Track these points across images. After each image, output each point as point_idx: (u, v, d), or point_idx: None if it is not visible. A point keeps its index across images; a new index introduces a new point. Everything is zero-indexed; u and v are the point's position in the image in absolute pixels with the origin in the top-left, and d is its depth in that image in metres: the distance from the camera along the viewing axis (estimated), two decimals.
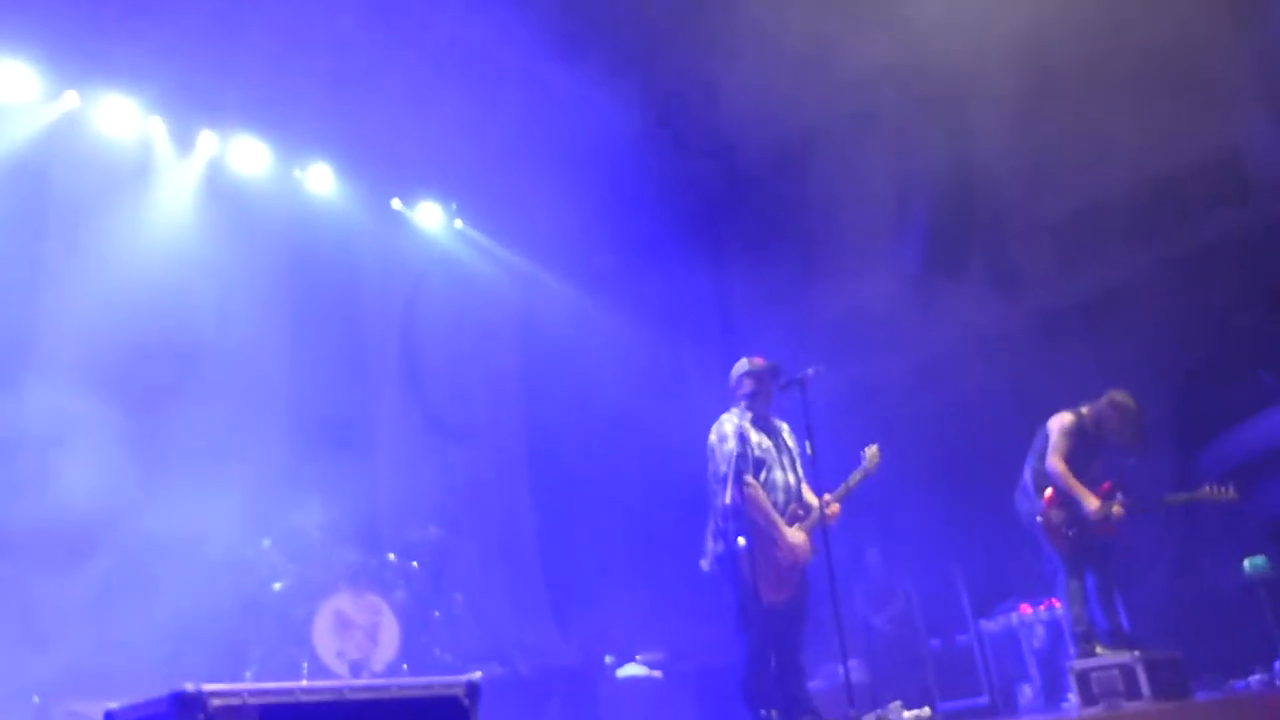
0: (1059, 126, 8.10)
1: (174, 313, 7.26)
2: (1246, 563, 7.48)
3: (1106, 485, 6.18)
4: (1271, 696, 6.10)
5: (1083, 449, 6.22)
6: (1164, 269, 8.31)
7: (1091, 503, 5.99)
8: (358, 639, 5.96)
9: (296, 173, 8.53)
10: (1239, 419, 8.43)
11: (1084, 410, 6.30)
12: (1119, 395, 6.24)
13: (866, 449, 5.46)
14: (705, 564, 5.23)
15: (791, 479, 5.25)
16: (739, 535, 4.99)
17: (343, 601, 6.05)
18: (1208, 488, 6.14)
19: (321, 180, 8.63)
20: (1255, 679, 6.45)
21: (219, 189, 7.95)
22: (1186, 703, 5.58)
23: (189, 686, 2.08)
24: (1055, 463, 6.13)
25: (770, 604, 4.99)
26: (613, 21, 8.02)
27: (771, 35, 7.85)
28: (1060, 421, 6.24)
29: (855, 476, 5.32)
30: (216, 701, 2.10)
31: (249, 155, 8.17)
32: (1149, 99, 7.68)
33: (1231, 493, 6.14)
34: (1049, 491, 6.19)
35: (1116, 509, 6.01)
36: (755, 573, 4.93)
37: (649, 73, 8.23)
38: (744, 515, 4.98)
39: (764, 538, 5.03)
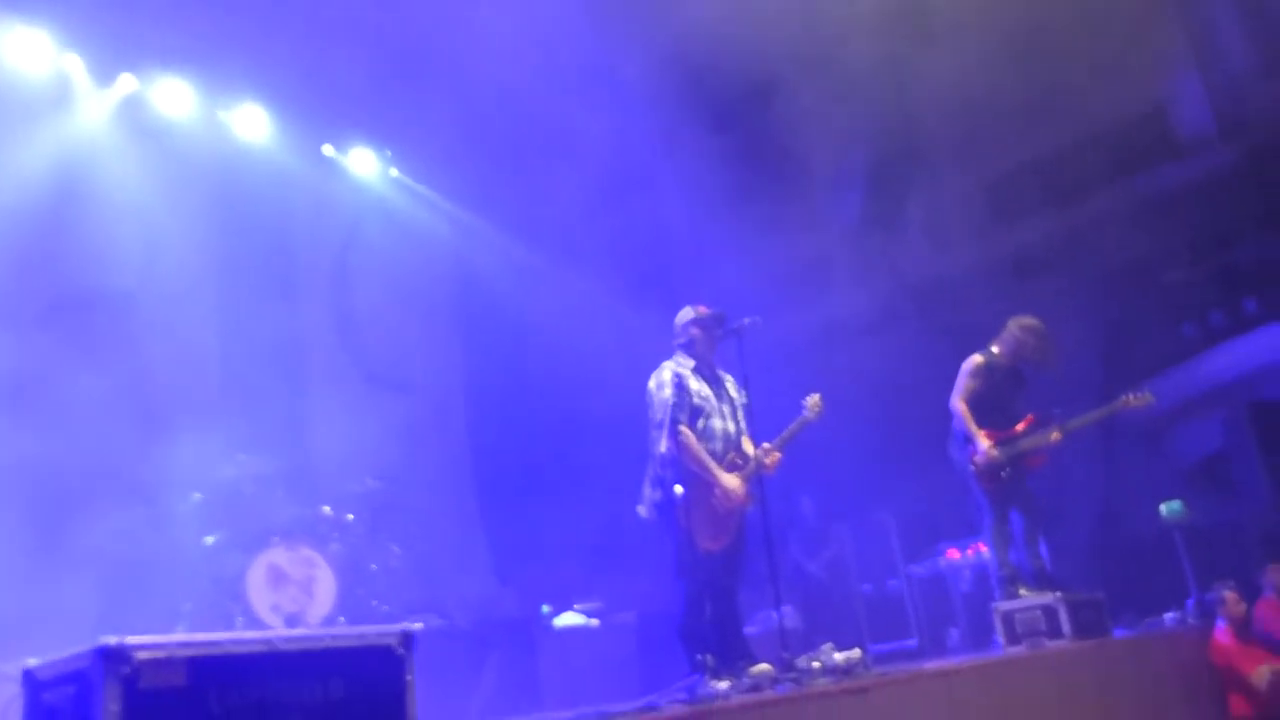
0: (994, 84, 8.17)
1: (96, 259, 7.02)
2: (1163, 508, 7.76)
3: (1030, 418, 6.33)
4: (1183, 634, 6.39)
5: (999, 386, 6.35)
6: (1092, 224, 8.49)
7: (983, 442, 6.14)
8: (292, 593, 5.90)
9: (222, 115, 8.24)
10: (1162, 369, 8.71)
11: (993, 349, 6.42)
12: (1023, 319, 6.39)
13: (808, 398, 5.50)
14: (643, 510, 5.25)
15: (731, 427, 5.28)
16: (676, 483, 5.01)
17: (277, 555, 5.97)
18: (1125, 396, 6.25)
19: (251, 123, 8.35)
20: (1169, 617, 6.73)
21: (141, 130, 7.66)
22: (1105, 641, 5.80)
23: (112, 640, 2.03)
24: (956, 403, 6.30)
25: (707, 551, 5.04)
26: None
27: None
28: (967, 363, 6.37)
29: (795, 425, 5.36)
30: (142, 655, 2.06)
31: (172, 96, 7.86)
32: (1079, 58, 7.78)
33: (1148, 396, 6.27)
34: (984, 431, 6.27)
35: (1055, 435, 6.15)
36: (692, 520, 4.97)
37: (592, 13, 8.07)
38: (680, 463, 5.02)
39: (701, 485, 5.06)
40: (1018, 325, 6.38)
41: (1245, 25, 7.70)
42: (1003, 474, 6.19)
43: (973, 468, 6.25)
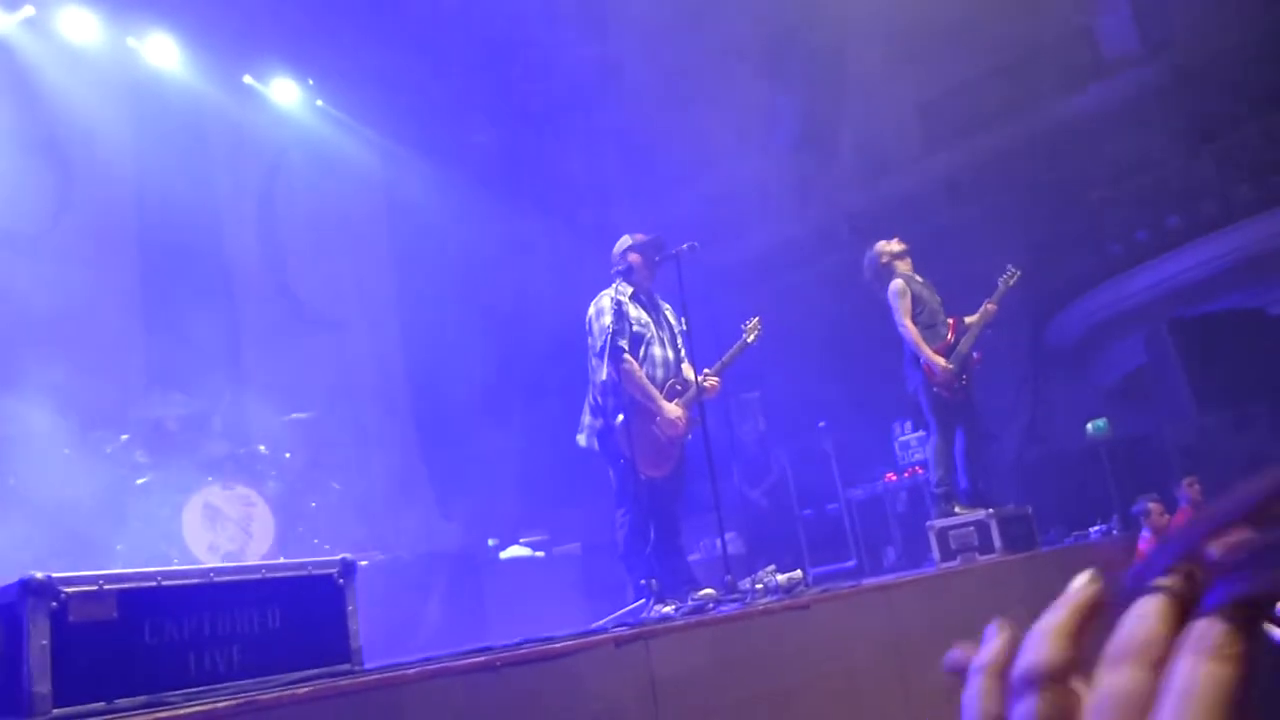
0: (923, 7, 8.15)
1: (10, 191, 6.70)
2: (1089, 425, 8.00)
3: (952, 322, 6.47)
4: (1108, 545, 6.63)
5: (922, 303, 6.47)
6: (1020, 146, 8.57)
7: (939, 362, 6.26)
8: (230, 531, 5.80)
9: (132, 42, 7.85)
10: (1087, 289, 8.91)
11: (898, 268, 6.55)
12: (879, 245, 6.62)
13: (746, 322, 5.53)
14: (582, 439, 5.25)
15: (670, 354, 5.28)
16: (617, 411, 5.02)
17: (212, 494, 5.85)
18: (1000, 279, 6.45)
19: (162, 53, 7.98)
20: (1095, 531, 6.97)
21: (45, 61, 7.28)
22: (1033, 554, 6.00)
23: (38, 574, 1.97)
24: (905, 326, 6.37)
25: (649, 478, 5.06)
26: None
27: None
28: (892, 288, 6.46)
29: (735, 349, 5.39)
30: (69, 589, 2.00)
31: (76, 23, 7.46)
32: None
33: (1015, 271, 6.45)
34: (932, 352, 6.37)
35: (990, 306, 6.35)
36: (634, 448, 4.98)
37: None
38: (621, 390, 5.02)
39: (642, 413, 5.07)
40: (882, 249, 6.59)
41: None
42: (962, 381, 6.31)
43: (933, 386, 6.33)
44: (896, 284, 6.46)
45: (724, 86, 9.18)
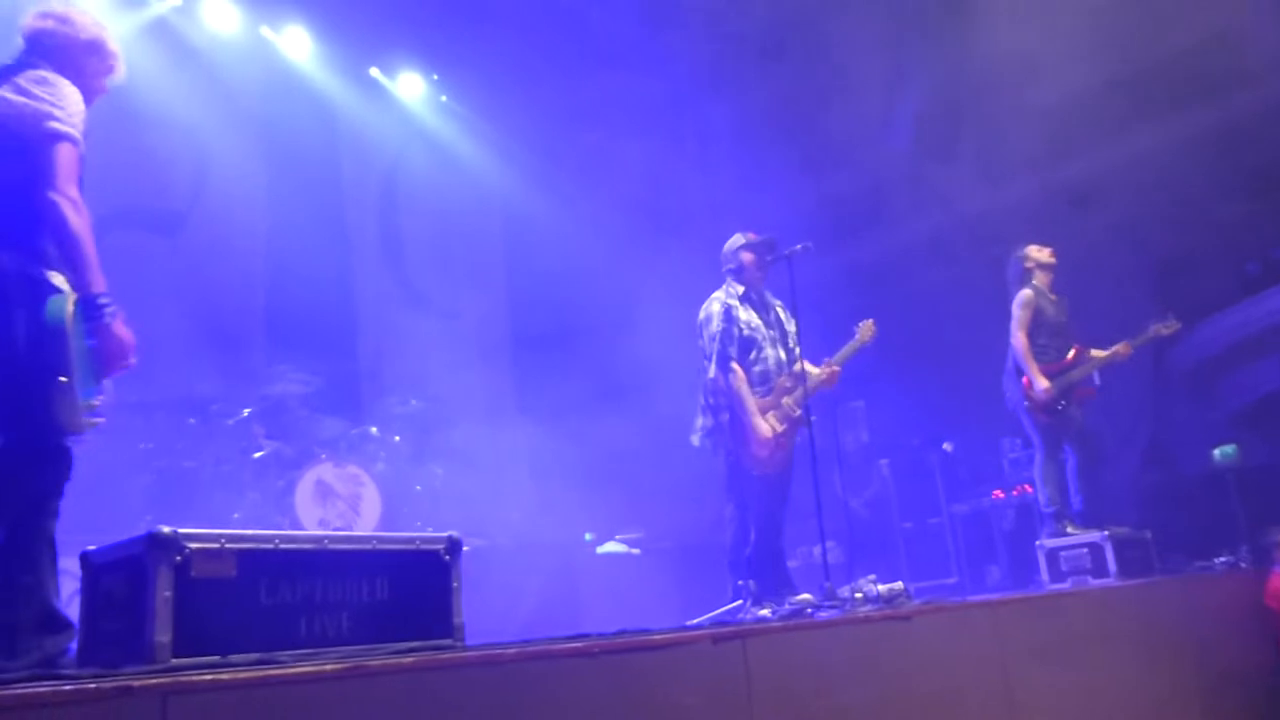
0: (1049, 12, 7.88)
1: (148, 177, 7.05)
2: (1216, 451, 7.61)
3: (1075, 349, 6.27)
4: (1235, 577, 6.28)
5: (1048, 317, 6.28)
6: (1148, 157, 8.20)
7: (1041, 382, 6.08)
8: (340, 508, 5.99)
9: (266, 32, 8.17)
10: (1217, 309, 8.47)
11: (1035, 281, 6.38)
12: (1028, 249, 6.45)
13: (861, 323, 5.48)
14: (695, 439, 5.28)
15: (783, 354, 5.27)
16: (725, 410, 5.04)
17: (325, 471, 6.06)
18: (1154, 326, 6.24)
19: (295, 43, 8.29)
20: (1220, 561, 6.61)
21: (186, 48, 7.63)
22: (1151, 581, 5.73)
23: (165, 529, 2.05)
24: (1017, 338, 6.22)
25: (757, 475, 5.07)
26: None
27: None
28: (1019, 298, 6.31)
29: (849, 347, 5.36)
30: (193, 545, 2.08)
31: (217, 13, 7.81)
32: None
33: (1174, 323, 6.27)
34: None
35: (1123, 348, 6.15)
36: (742, 445, 4.99)
37: None
38: (729, 389, 5.04)
39: (746, 415, 5.08)
40: (1027, 254, 6.45)
41: None
42: (1059, 406, 6.13)
43: (1027, 403, 6.18)
44: (1025, 294, 6.32)
45: (840, 86, 9.05)
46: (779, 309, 5.40)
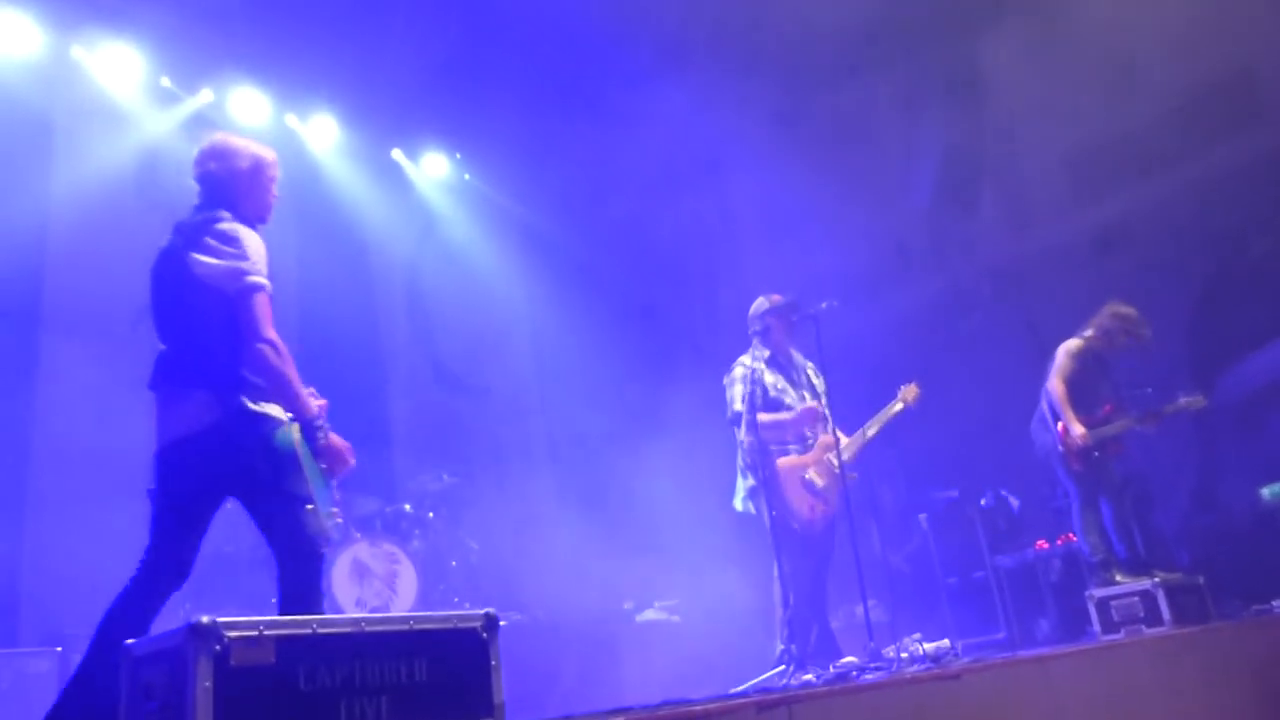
0: (1071, 55, 7.95)
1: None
2: (1265, 490, 7.44)
3: (1108, 408, 6.19)
4: None
5: (1090, 373, 6.23)
6: (1178, 195, 8.18)
7: (1077, 429, 6.01)
8: (376, 587, 5.99)
9: (292, 121, 8.39)
10: (1255, 345, 8.35)
11: (1088, 333, 6.31)
12: (1118, 305, 6.32)
13: (903, 386, 5.49)
14: (738, 503, 5.25)
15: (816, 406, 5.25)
16: (764, 469, 5.02)
17: (360, 550, 6.06)
18: (1183, 399, 6.12)
19: (323, 131, 8.51)
20: (1278, 604, 6.43)
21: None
22: (1208, 627, 5.57)
23: (204, 619, 2.06)
24: (1055, 384, 6.18)
25: (803, 532, 5.02)
26: None
27: None
28: (1066, 346, 6.27)
29: (888, 410, 5.36)
30: (233, 633, 2.08)
31: (248, 105, 8.04)
32: (1160, 22, 7.51)
33: (1200, 399, 6.15)
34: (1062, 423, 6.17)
35: (1151, 420, 6.10)
36: (785, 502, 4.99)
37: (658, 7, 8.04)
38: (766, 449, 5.01)
39: (791, 467, 5.04)
40: (1112, 311, 6.27)
41: None
42: (1094, 455, 6.05)
43: (1061, 449, 6.10)
44: (1073, 343, 6.27)
45: (862, 139, 9.13)
46: (809, 369, 5.41)
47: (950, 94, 8.64)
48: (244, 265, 3.26)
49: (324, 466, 3.31)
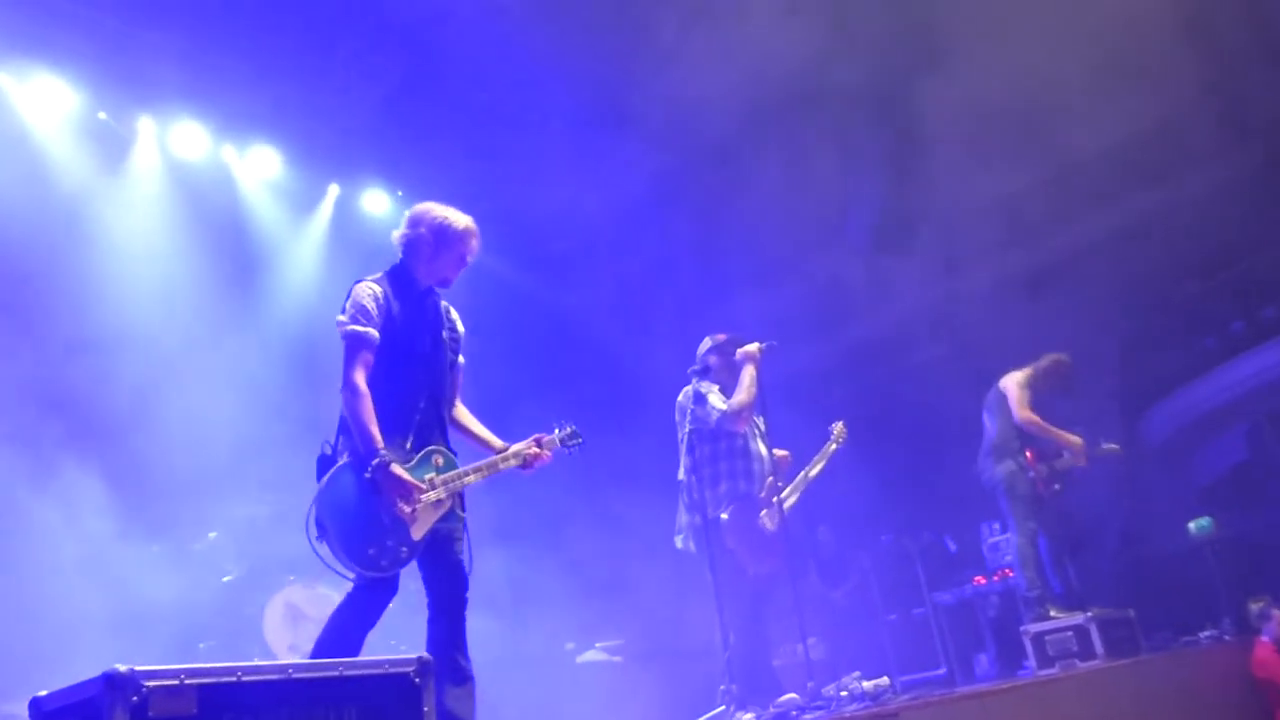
0: (1001, 103, 8.18)
1: (114, 301, 7.03)
2: (1192, 525, 7.64)
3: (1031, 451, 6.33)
4: (1220, 649, 6.25)
5: (1036, 405, 6.36)
6: (1105, 240, 8.44)
7: (1074, 441, 6.15)
8: (311, 631, 5.80)
9: (230, 153, 8.27)
10: (1180, 385, 8.61)
11: (1028, 370, 6.46)
12: (1058, 356, 6.54)
13: (833, 426, 5.54)
14: (680, 541, 5.14)
15: (765, 450, 5.23)
16: (718, 505, 4.96)
17: (294, 594, 5.91)
18: (1103, 445, 6.45)
19: (259, 164, 8.40)
20: (1205, 635, 6.58)
21: (159, 174, 7.73)
22: (1139, 660, 5.67)
23: (121, 667, 1.99)
24: (1027, 415, 6.24)
25: (754, 574, 4.96)
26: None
27: (707, 21, 7.80)
28: (1014, 378, 6.39)
29: (823, 454, 5.39)
30: (151, 683, 2.01)
31: (188, 139, 7.91)
32: (1088, 76, 7.77)
33: (1116, 447, 6.52)
34: (1028, 452, 6.27)
35: (1111, 446, 6.34)
36: (740, 543, 4.91)
37: (593, 52, 8.11)
38: (719, 483, 4.98)
39: (749, 506, 5.00)
40: (1052, 359, 6.50)
41: (1253, 36, 7.67)
42: (1055, 489, 6.18)
43: (1031, 474, 6.20)
44: (1020, 375, 6.42)
45: (800, 185, 9.27)
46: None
47: (885, 141, 8.82)
48: (341, 316, 3.64)
49: (398, 510, 3.44)
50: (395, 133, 8.68)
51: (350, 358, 3.54)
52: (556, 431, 4.00)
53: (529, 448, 3.86)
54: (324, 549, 3.51)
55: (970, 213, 8.54)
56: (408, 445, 3.58)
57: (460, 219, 3.89)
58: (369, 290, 3.66)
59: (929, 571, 8.46)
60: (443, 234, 3.82)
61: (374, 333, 3.59)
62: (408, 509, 3.44)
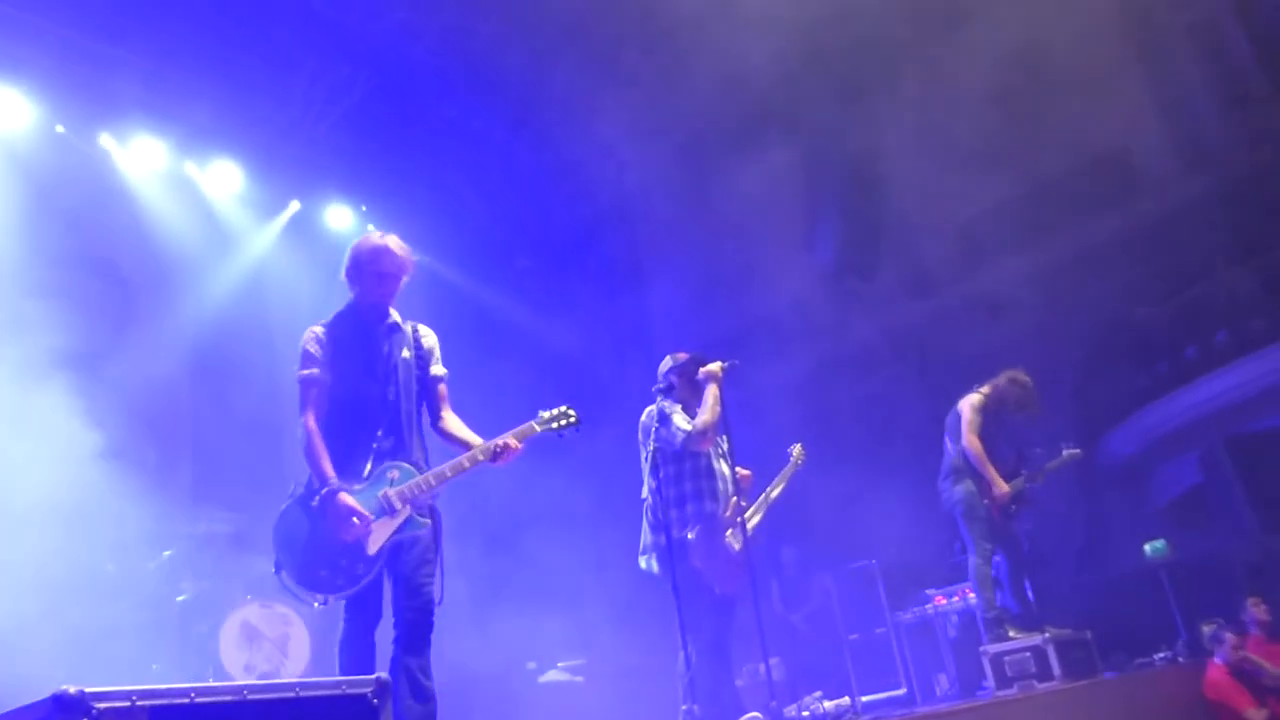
0: (961, 130, 8.31)
1: (73, 316, 6.92)
2: (1147, 547, 7.74)
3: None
4: (1174, 671, 6.33)
5: (989, 428, 6.40)
6: (1063, 263, 8.57)
7: (1001, 487, 6.16)
8: (266, 650, 5.74)
9: (190, 169, 8.19)
10: (1135, 408, 8.75)
11: (985, 390, 6.49)
12: (1014, 372, 6.53)
13: (792, 447, 5.54)
14: (644, 561, 5.10)
15: (728, 470, 5.21)
16: (684, 525, 4.94)
17: (250, 613, 5.82)
18: (1064, 451, 6.47)
19: (221, 179, 8.32)
20: (1159, 657, 6.66)
21: (113, 185, 7.63)
22: (1096, 681, 5.73)
23: (70, 689, 1.94)
24: (971, 440, 6.28)
25: (717, 596, 4.94)
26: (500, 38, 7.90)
27: (665, 38, 7.85)
28: (969, 401, 6.42)
29: (783, 476, 5.40)
30: (101, 705, 1.97)
31: (146, 153, 7.82)
32: (1044, 102, 7.92)
33: (1078, 451, 6.53)
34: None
35: (1073, 452, 6.43)
36: (707, 563, 4.88)
37: (557, 71, 8.14)
38: (687, 502, 4.97)
39: (715, 526, 4.98)
40: (1010, 377, 6.49)
41: (1206, 66, 7.87)
42: (1011, 509, 6.22)
43: (986, 501, 6.23)
44: (975, 399, 6.43)
45: (764, 206, 9.35)
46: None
47: (849, 165, 8.93)
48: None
49: (345, 535, 3.55)
50: (358, 148, 8.65)
51: (301, 402, 3.73)
52: (542, 415, 4.04)
53: (495, 442, 3.83)
54: (286, 579, 3.59)
55: (931, 237, 8.66)
56: (365, 471, 3.67)
57: (371, 238, 3.98)
58: (310, 334, 3.83)
59: (890, 592, 8.50)
60: (357, 259, 3.92)
61: (317, 372, 3.74)
62: (351, 534, 3.55)
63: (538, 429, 4.00)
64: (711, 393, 5.08)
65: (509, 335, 9.45)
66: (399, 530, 3.64)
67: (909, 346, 8.90)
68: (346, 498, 3.55)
